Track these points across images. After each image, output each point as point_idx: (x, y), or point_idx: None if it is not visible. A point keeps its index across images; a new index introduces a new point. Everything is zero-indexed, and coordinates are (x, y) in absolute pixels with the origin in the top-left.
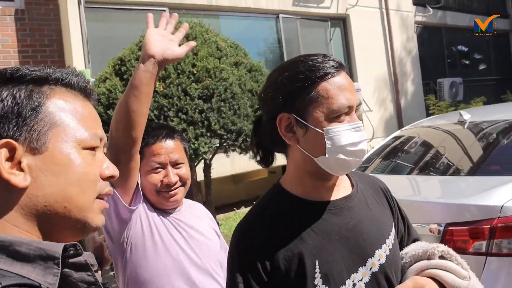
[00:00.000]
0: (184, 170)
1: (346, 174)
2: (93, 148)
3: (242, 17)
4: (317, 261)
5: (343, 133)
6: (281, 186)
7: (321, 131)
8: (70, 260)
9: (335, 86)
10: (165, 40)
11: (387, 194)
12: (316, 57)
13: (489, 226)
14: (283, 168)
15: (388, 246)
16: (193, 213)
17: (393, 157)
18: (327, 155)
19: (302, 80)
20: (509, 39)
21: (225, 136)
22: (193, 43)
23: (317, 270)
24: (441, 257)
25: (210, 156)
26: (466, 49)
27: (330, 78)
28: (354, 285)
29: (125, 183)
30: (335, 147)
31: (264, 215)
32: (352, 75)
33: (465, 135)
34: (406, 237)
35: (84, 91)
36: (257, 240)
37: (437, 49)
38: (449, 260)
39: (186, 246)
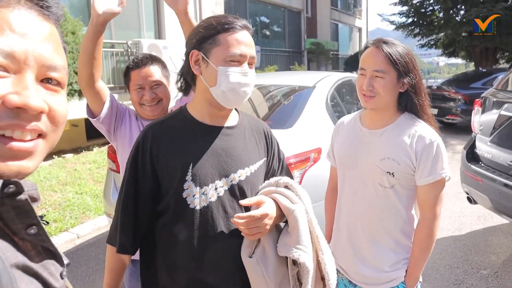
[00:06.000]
0: (160, 89)
1: (237, 112)
2: None
3: None
4: (191, 163)
5: (230, 73)
6: (186, 109)
7: (216, 68)
8: (9, 197)
9: (234, 38)
10: None
11: (268, 136)
12: (227, 17)
13: None
14: (86, 120)
15: (250, 170)
16: None
17: None
18: (216, 87)
19: (212, 29)
20: (300, 18)
21: None
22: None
23: (190, 169)
24: (286, 187)
25: None
26: (267, 21)
27: (232, 31)
28: (216, 188)
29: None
30: (222, 82)
31: (166, 124)
32: (160, 33)
33: (255, 95)
34: (278, 172)
35: None
36: (155, 136)
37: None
38: (290, 190)
39: None
